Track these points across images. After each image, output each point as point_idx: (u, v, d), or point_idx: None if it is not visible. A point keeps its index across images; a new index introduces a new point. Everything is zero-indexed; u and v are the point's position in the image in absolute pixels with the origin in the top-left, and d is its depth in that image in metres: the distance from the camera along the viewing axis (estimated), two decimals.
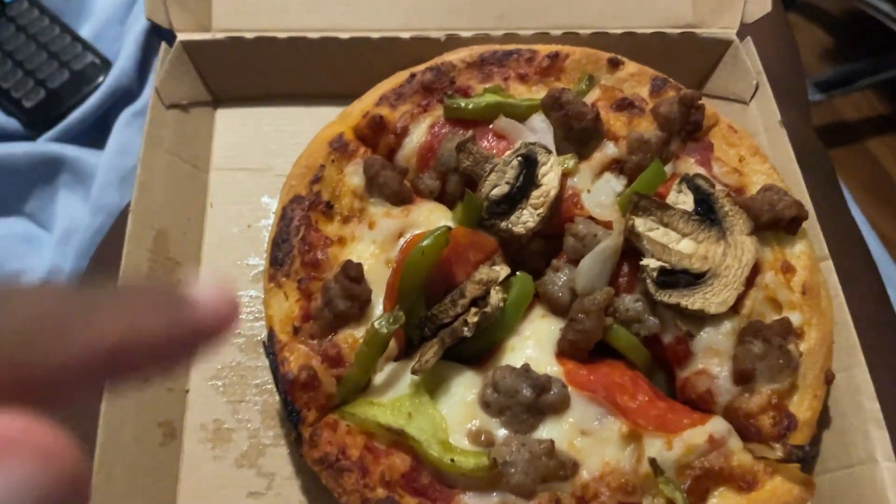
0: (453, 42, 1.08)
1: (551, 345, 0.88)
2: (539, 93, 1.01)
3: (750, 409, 0.84)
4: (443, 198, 0.99)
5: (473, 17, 1.12)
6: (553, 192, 0.91)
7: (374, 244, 0.92)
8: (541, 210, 0.91)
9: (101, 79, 1.46)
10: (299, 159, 0.98)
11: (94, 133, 1.46)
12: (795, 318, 0.88)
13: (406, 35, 1.08)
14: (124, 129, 1.44)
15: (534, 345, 0.89)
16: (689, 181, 0.92)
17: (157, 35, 1.49)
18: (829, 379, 0.87)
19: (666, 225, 0.90)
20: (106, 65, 1.49)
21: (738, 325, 0.87)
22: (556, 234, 0.94)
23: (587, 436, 0.81)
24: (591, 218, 0.93)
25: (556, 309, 0.91)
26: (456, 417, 0.83)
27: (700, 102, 0.99)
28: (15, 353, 0.32)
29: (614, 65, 1.04)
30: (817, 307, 0.89)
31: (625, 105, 1.00)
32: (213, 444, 0.92)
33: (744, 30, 1.12)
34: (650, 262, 0.87)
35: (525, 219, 0.91)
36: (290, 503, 0.89)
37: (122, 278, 0.88)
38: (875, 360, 0.92)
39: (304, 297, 0.89)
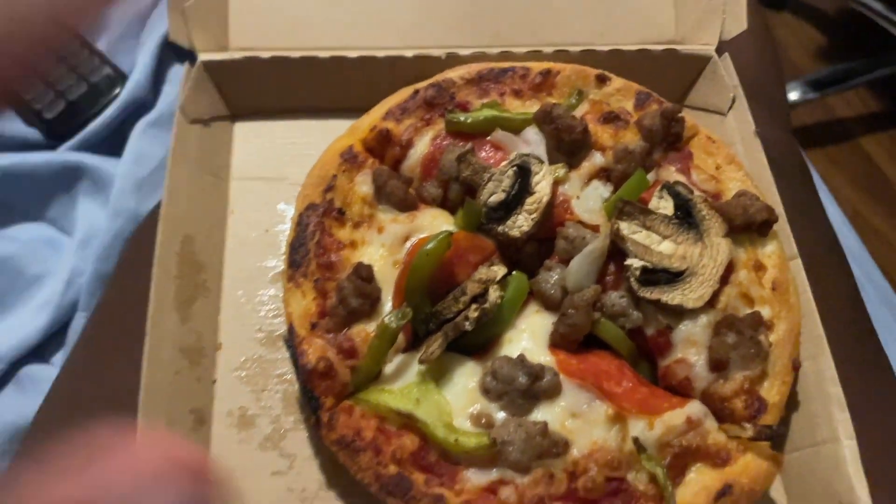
0: (453, 60, 1.15)
1: (544, 337, 0.96)
2: (532, 107, 1.08)
3: (724, 394, 0.92)
4: (445, 204, 1.06)
5: (471, 34, 1.20)
6: (545, 199, 0.99)
7: (383, 247, 1.00)
8: (534, 215, 0.99)
9: (117, 90, 1.52)
10: (313, 170, 1.06)
11: (112, 142, 1.51)
12: (766, 312, 0.96)
13: (409, 53, 1.16)
14: (140, 139, 1.50)
15: (529, 337, 0.96)
16: (670, 188, 1.01)
17: (170, 49, 1.56)
18: (796, 366, 0.95)
19: (648, 228, 0.98)
20: (122, 77, 1.55)
21: (713, 318, 0.94)
22: (549, 237, 1.01)
23: (577, 418, 0.89)
24: (580, 222, 1.01)
25: (549, 305, 0.99)
26: (459, 402, 0.91)
27: (680, 115, 1.07)
28: None
29: (602, 80, 1.12)
30: (786, 302, 0.97)
31: (611, 118, 1.08)
32: (238, 429, 1.00)
33: (723, 46, 1.20)
34: (634, 262, 0.95)
35: (520, 223, 0.99)
36: (310, 481, 0.97)
37: (155, 280, 0.96)
38: (839, 348, 1.00)
39: (321, 296, 0.96)
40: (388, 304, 0.96)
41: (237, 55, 1.15)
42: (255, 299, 1.09)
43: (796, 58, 3.67)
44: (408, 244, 1.00)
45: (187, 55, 1.16)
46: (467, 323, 0.92)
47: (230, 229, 1.14)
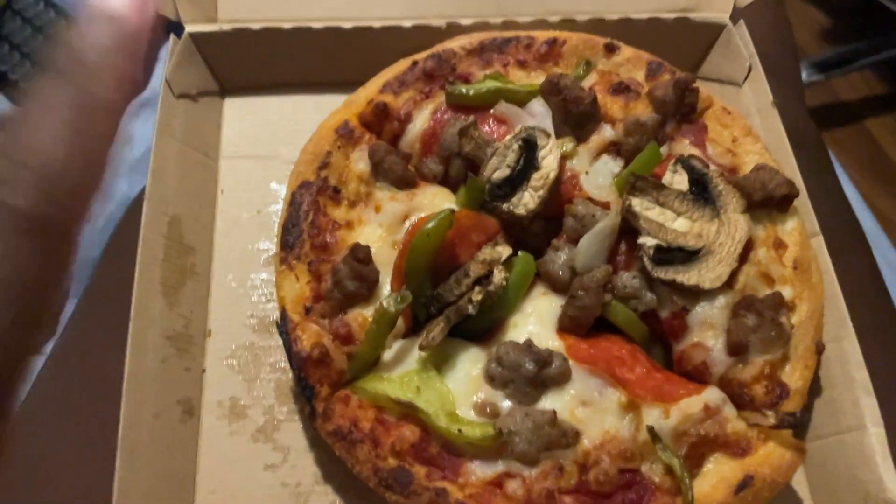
0: (454, 30, 1.10)
1: (552, 321, 0.91)
2: (538, 78, 1.03)
3: (743, 379, 0.87)
4: (446, 181, 1.01)
5: (473, 3, 1.14)
6: (552, 175, 0.94)
7: (381, 227, 0.95)
8: (541, 192, 0.94)
9: None
10: (306, 146, 1.01)
11: None
12: (787, 293, 0.91)
13: (408, 23, 1.11)
14: (130, 120, 1.45)
15: (536, 321, 0.92)
16: (684, 162, 0.95)
17: (161, 27, 1.52)
18: (819, 349, 0.90)
19: (662, 204, 0.93)
20: None
21: (731, 299, 0.90)
22: (556, 215, 0.97)
23: (588, 406, 0.84)
24: (589, 199, 0.96)
25: (557, 287, 0.94)
26: (462, 391, 0.86)
27: (694, 85, 1.01)
28: None
29: (610, 50, 1.06)
30: (808, 282, 0.92)
31: (621, 89, 1.02)
32: (229, 421, 0.95)
33: (737, 13, 1.14)
34: (647, 241, 0.90)
35: (526, 201, 0.94)
36: (305, 474, 0.93)
37: (140, 263, 0.91)
38: (864, 330, 0.95)
39: (315, 279, 0.92)
40: (386, 287, 0.92)
41: (226, 27, 1.10)
42: (246, 283, 1.04)
43: (801, 39, 3.61)
44: (407, 224, 0.96)
45: (175, 28, 1.10)
46: (470, 306, 0.87)
47: (220, 210, 1.09)
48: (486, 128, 1.01)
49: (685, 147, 1.00)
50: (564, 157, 0.98)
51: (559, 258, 0.94)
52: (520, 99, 1.02)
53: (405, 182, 0.98)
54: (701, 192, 0.93)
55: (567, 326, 0.91)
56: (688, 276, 0.89)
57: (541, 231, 0.98)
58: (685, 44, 1.15)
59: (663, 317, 0.90)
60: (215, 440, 0.94)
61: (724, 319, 0.89)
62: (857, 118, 3.37)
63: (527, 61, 1.06)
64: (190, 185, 1.04)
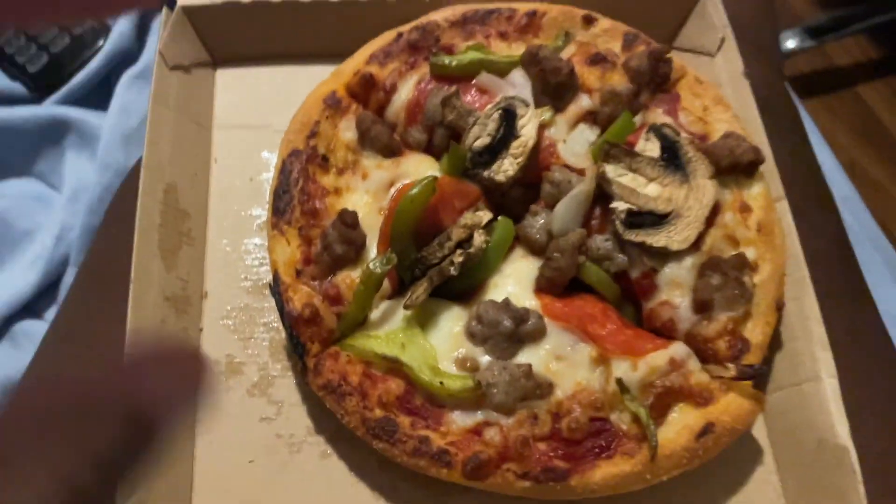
0: (438, 2, 1.13)
1: (530, 282, 0.96)
2: (518, 49, 1.06)
3: (708, 335, 0.93)
4: (430, 150, 1.05)
5: None
6: (531, 143, 0.98)
7: (368, 193, 1.00)
8: (520, 159, 0.98)
9: (100, 42, 1.51)
10: (296, 116, 1.05)
11: (97, 95, 1.50)
12: (751, 254, 0.95)
13: None
14: (126, 91, 1.49)
15: (514, 282, 0.97)
16: (656, 130, 1.00)
17: None
18: (779, 307, 0.96)
19: (634, 171, 0.97)
20: (105, 28, 1.53)
21: (698, 260, 0.94)
22: (535, 182, 1.01)
23: (561, 360, 0.90)
24: (566, 166, 1.00)
25: (535, 249, 0.99)
26: (444, 347, 0.91)
27: (668, 56, 1.05)
28: None
29: (588, 21, 1.10)
30: (771, 243, 0.97)
31: (598, 60, 1.06)
32: (226, 377, 1.00)
33: None
34: (619, 205, 0.95)
35: (505, 168, 0.98)
36: (298, 426, 0.98)
37: (139, 228, 0.96)
38: (825, 289, 1.00)
39: (305, 243, 0.96)
40: (373, 251, 0.96)
41: (217, 0, 1.13)
42: (240, 248, 1.08)
43: (796, 4, 3.61)
44: (392, 190, 1.00)
45: (169, 2, 1.14)
46: (452, 268, 0.92)
47: (214, 177, 1.13)
48: (469, 97, 1.04)
49: (659, 115, 1.04)
50: (543, 126, 1.02)
51: (537, 222, 0.99)
52: (501, 69, 1.05)
53: (391, 150, 1.03)
54: (672, 158, 0.98)
55: (544, 286, 0.96)
56: (657, 239, 0.94)
57: (520, 197, 1.03)
58: (662, 15, 1.18)
59: (634, 277, 0.95)
60: (213, 395, 1.00)
61: (691, 279, 0.94)
62: (849, 84, 3.38)
63: (508, 33, 1.09)
64: (185, 154, 1.08)
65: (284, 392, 1.00)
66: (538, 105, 1.03)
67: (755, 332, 0.93)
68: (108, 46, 1.51)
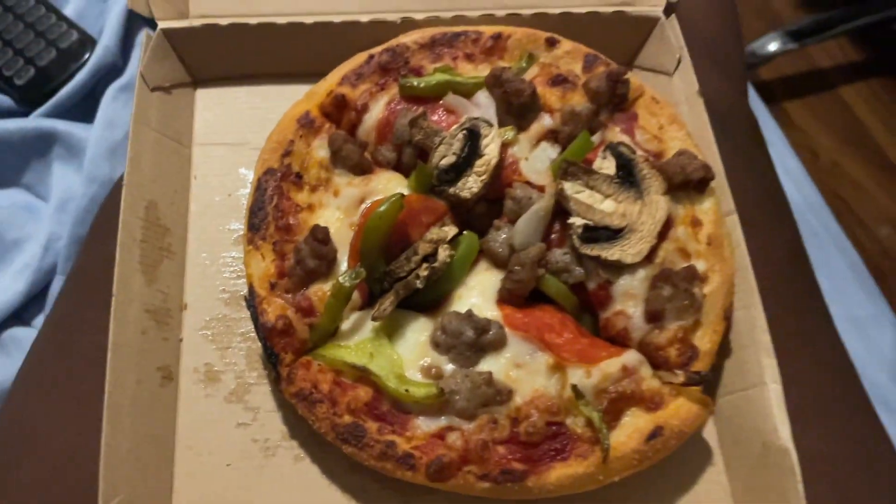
0: (408, 25, 1.18)
1: (493, 293, 1.01)
2: (484, 71, 1.11)
3: (659, 343, 0.98)
4: (399, 167, 1.09)
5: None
6: (494, 161, 1.03)
7: (339, 210, 1.04)
8: (484, 177, 1.03)
9: (86, 56, 1.55)
10: (271, 135, 1.09)
11: (83, 108, 1.54)
12: (701, 266, 1.01)
13: (365, 18, 1.19)
14: (111, 104, 1.53)
15: (478, 294, 1.01)
16: (613, 148, 1.05)
17: (138, 13, 1.58)
18: (727, 316, 1.01)
19: (591, 188, 1.03)
20: (91, 42, 1.57)
21: (651, 272, 0.99)
22: (499, 198, 1.06)
23: (520, 368, 0.95)
24: (527, 183, 1.05)
25: (498, 262, 1.03)
26: (411, 356, 0.96)
27: (625, 77, 1.10)
28: None
29: (551, 44, 1.15)
30: (720, 256, 1.02)
31: (559, 80, 1.11)
32: (205, 385, 1.05)
33: (672, 6, 1.22)
34: (576, 221, 1.00)
35: (470, 185, 1.03)
36: (273, 431, 1.03)
37: (120, 244, 1.01)
38: (776, 298, 1.06)
39: (279, 258, 1.01)
40: (343, 265, 1.01)
41: (196, 22, 1.18)
42: (218, 261, 1.13)
43: (778, 7, 3.67)
44: (363, 206, 1.05)
45: (151, 21, 1.18)
46: (418, 281, 0.97)
47: (193, 194, 1.18)
48: (436, 117, 1.09)
49: (616, 134, 1.09)
50: (506, 145, 1.07)
51: (500, 237, 1.04)
52: (467, 90, 1.10)
53: (361, 168, 1.08)
54: (627, 175, 1.03)
55: (506, 298, 1.01)
56: (611, 252, 0.99)
57: (485, 212, 1.08)
58: (622, 36, 1.24)
59: (590, 288, 1.01)
60: (192, 402, 1.04)
61: (644, 290, 1.00)
62: (831, 85, 3.43)
63: (474, 55, 1.14)
64: (165, 172, 1.13)
65: (260, 399, 1.05)
66: (502, 124, 1.08)
67: (704, 340, 0.99)
68: (94, 60, 1.54)
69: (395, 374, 0.95)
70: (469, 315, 0.97)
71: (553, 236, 1.04)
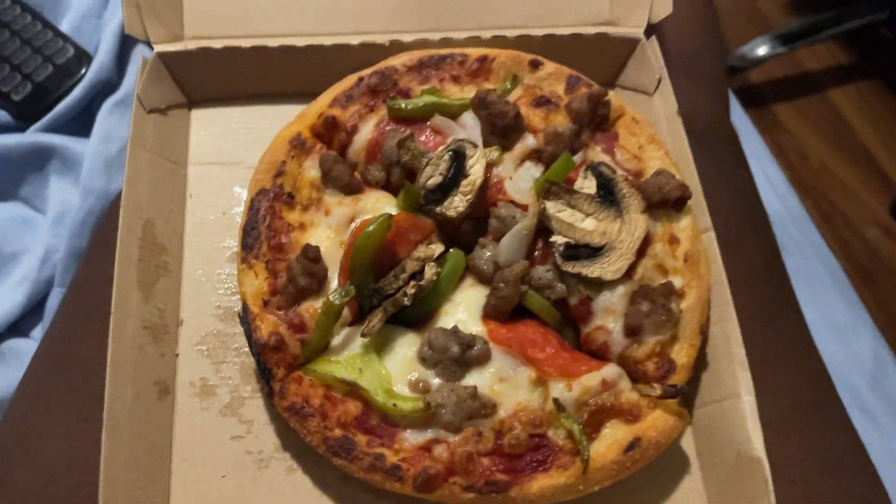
0: (396, 47, 1.22)
1: (478, 309, 1.05)
2: (470, 92, 1.15)
3: (638, 357, 1.02)
4: (388, 187, 1.13)
5: (415, 18, 1.26)
6: (479, 182, 1.07)
7: (330, 229, 1.08)
8: (469, 197, 1.07)
9: (82, 71, 1.58)
10: (264, 156, 1.13)
11: (79, 122, 1.57)
12: (678, 282, 1.05)
13: (355, 41, 1.22)
14: (107, 118, 1.56)
15: (464, 309, 1.05)
16: (594, 168, 1.09)
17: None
18: (703, 330, 1.05)
19: (572, 207, 1.06)
20: (86, 57, 1.60)
21: (630, 288, 1.03)
22: (485, 216, 1.10)
23: (504, 382, 0.99)
24: (512, 202, 1.08)
25: (483, 279, 1.07)
26: (399, 371, 1.00)
27: (606, 98, 1.14)
28: None
29: (535, 66, 1.19)
30: (697, 272, 1.06)
31: (542, 102, 1.15)
32: (200, 398, 1.09)
33: (662, 20, 1.25)
34: (558, 239, 1.04)
35: (456, 204, 1.07)
36: (267, 444, 1.06)
37: (118, 263, 1.04)
38: (752, 311, 1.10)
39: (272, 276, 1.04)
40: (334, 282, 1.05)
41: (191, 45, 1.21)
42: (213, 278, 1.17)
43: (766, 10, 3.71)
44: (353, 225, 1.08)
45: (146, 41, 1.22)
46: (406, 299, 1.01)
47: (189, 212, 1.21)
48: (424, 137, 1.13)
49: (597, 153, 1.13)
50: (491, 165, 1.10)
51: (485, 254, 1.08)
52: (453, 112, 1.14)
53: (351, 188, 1.11)
54: (607, 194, 1.07)
55: (490, 313, 1.05)
56: (592, 270, 1.03)
57: (471, 230, 1.11)
58: (604, 57, 1.27)
59: (572, 304, 1.05)
60: (188, 416, 1.08)
61: (623, 306, 1.03)
62: (820, 88, 3.47)
63: (460, 76, 1.18)
64: (161, 192, 1.16)
65: (254, 412, 1.09)
66: (487, 144, 1.12)
67: (681, 353, 1.03)
68: (90, 76, 1.58)
69: (383, 389, 0.98)
70: (455, 331, 1.01)
71: (536, 254, 1.08)
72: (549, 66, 1.19)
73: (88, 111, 1.60)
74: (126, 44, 1.65)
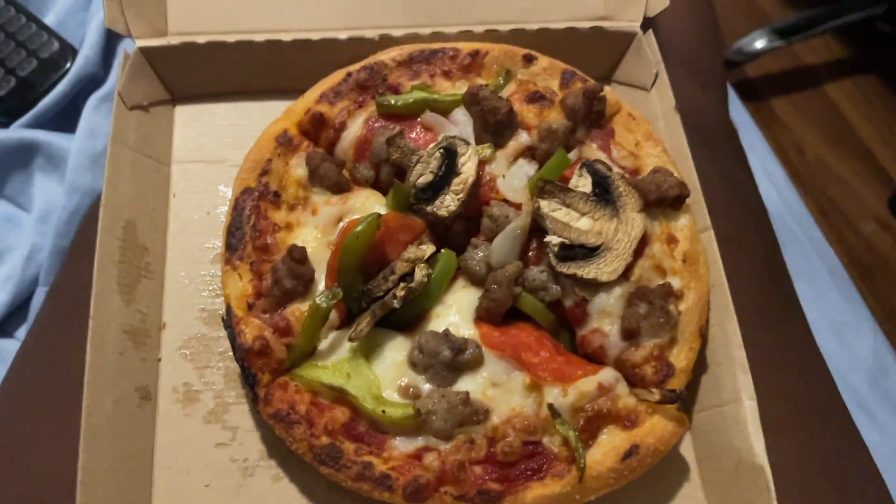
0: (386, 42, 1.18)
1: (470, 311, 1.02)
2: (462, 88, 1.12)
3: (635, 361, 0.99)
4: (377, 185, 1.10)
5: (405, 14, 1.23)
6: (471, 180, 1.04)
7: (317, 229, 1.05)
8: (461, 195, 1.04)
9: (67, 66, 1.54)
10: (249, 154, 1.09)
11: (64, 118, 1.54)
12: (676, 283, 1.02)
13: (343, 36, 1.19)
14: (92, 114, 1.52)
15: (456, 312, 1.02)
16: (589, 166, 1.06)
17: None
18: (702, 333, 1.02)
19: (567, 205, 1.03)
20: (72, 52, 1.56)
21: (627, 290, 1.00)
22: (477, 215, 1.06)
23: (497, 387, 0.96)
24: (505, 200, 1.05)
25: (475, 281, 1.04)
26: (389, 375, 0.97)
27: (602, 94, 1.11)
28: None
29: (529, 60, 1.16)
30: (696, 273, 1.03)
31: (536, 98, 1.12)
32: (183, 405, 1.05)
33: (658, 15, 1.22)
34: (552, 239, 1.01)
35: (447, 203, 1.04)
36: (251, 451, 1.03)
37: (97, 266, 1.01)
38: (752, 312, 1.07)
39: (256, 278, 1.01)
40: (321, 284, 1.01)
41: (174, 40, 1.17)
42: (197, 279, 1.13)
43: (764, 4, 3.69)
44: (340, 225, 1.05)
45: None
46: (395, 301, 0.98)
47: (172, 212, 1.18)
48: (414, 134, 1.10)
49: (593, 151, 1.10)
50: (483, 162, 1.07)
51: (477, 255, 1.05)
52: (444, 108, 1.11)
53: (339, 187, 1.08)
54: (603, 193, 1.04)
55: (483, 316, 1.02)
56: (587, 271, 1.00)
57: (462, 230, 1.08)
58: (600, 51, 1.24)
59: (567, 306, 1.02)
60: (171, 422, 1.05)
61: (620, 308, 1.00)
62: (817, 83, 3.46)
63: (452, 72, 1.15)
64: (144, 190, 1.13)
65: (239, 418, 1.05)
66: (480, 141, 1.09)
67: (680, 357, 1.00)
68: (75, 70, 1.54)
69: (372, 395, 0.95)
70: (446, 334, 0.98)
71: (530, 254, 1.04)
72: (544, 61, 1.16)
73: (74, 106, 1.56)
74: (112, 38, 1.61)
